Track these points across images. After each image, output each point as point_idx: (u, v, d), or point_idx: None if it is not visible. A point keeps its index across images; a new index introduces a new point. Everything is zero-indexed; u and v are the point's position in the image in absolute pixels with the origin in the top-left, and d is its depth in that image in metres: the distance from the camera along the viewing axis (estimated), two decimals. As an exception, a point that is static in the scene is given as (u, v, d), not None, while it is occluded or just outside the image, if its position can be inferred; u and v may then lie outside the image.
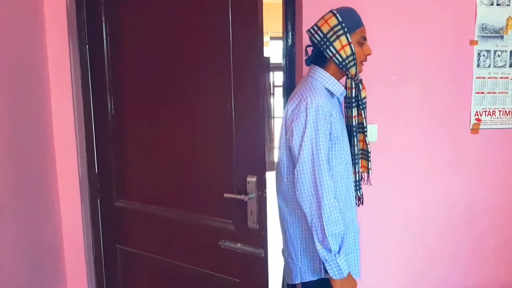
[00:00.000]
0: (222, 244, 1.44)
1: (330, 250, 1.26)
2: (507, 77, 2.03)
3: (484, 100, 2.03)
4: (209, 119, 1.47)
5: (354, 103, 1.46)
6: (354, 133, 1.47)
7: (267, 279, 1.40)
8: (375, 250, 2.01)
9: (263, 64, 1.32)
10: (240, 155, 1.39)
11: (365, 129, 1.48)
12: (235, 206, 1.40)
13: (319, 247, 1.28)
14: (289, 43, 1.93)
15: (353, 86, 1.43)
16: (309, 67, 1.45)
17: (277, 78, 6.62)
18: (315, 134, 1.27)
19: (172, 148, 1.58)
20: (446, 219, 2.07)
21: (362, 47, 1.37)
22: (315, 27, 1.38)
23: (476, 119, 2.03)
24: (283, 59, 2.01)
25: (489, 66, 2.01)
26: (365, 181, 1.57)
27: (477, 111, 2.02)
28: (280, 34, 2.00)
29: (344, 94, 1.45)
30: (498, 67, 2.01)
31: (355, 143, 1.47)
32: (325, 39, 1.34)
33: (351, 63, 1.35)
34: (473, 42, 1.97)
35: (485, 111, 2.03)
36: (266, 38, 6.08)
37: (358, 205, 1.57)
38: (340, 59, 1.34)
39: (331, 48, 1.34)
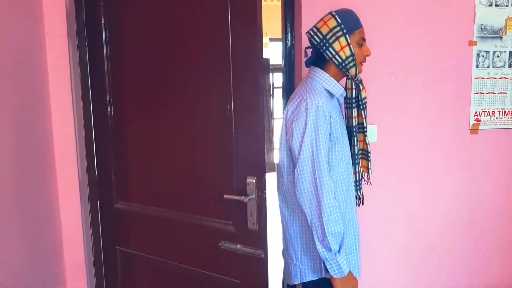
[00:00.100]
0: (222, 245, 1.44)
1: (330, 250, 1.27)
2: (506, 78, 2.03)
3: (484, 100, 2.03)
4: (209, 120, 1.47)
5: (354, 103, 1.47)
6: (354, 133, 1.48)
7: (267, 280, 1.40)
8: (376, 251, 2.01)
9: (262, 65, 1.33)
10: (240, 156, 1.39)
11: (365, 129, 1.49)
12: (235, 207, 1.40)
13: (319, 246, 1.28)
14: (289, 44, 1.94)
15: (353, 86, 1.45)
16: (308, 68, 1.46)
17: (276, 79, 6.63)
18: (315, 135, 1.27)
19: (171, 149, 1.59)
20: (447, 219, 2.07)
21: (361, 48, 1.38)
22: (314, 29, 1.39)
23: (475, 120, 2.03)
24: (282, 60, 2.01)
25: (488, 67, 2.01)
26: (365, 181, 1.58)
27: (476, 112, 2.03)
28: (280, 36, 2.00)
29: (344, 95, 1.46)
30: (497, 67, 2.02)
31: (355, 143, 1.48)
32: (324, 41, 1.35)
33: (351, 64, 1.36)
34: (472, 43, 1.98)
35: (485, 112, 2.03)
36: (265, 40, 6.08)
37: (358, 205, 1.58)
38: (340, 60, 1.35)
39: (330, 49, 1.35)
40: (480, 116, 2.03)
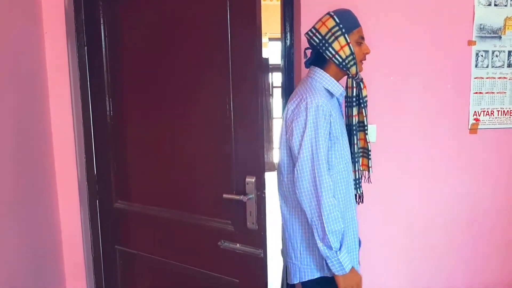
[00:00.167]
0: (221, 245, 1.44)
1: (330, 248, 1.28)
2: (505, 77, 2.03)
3: (483, 100, 2.03)
4: (208, 119, 1.47)
5: (355, 102, 1.48)
6: (355, 132, 1.49)
7: (267, 280, 1.40)
8: (376, 250, 2.01)
9: (262, 65, 1.33)
10: (239, 155, 1.39)
11: (366, 128, 1.50)
12: (234, 206, 1.40)
13: (320, 244, 1.29)
14: (288, 44, 1.94)
15: (354, 85, 1.46)
16: (308, 69, 1.46)
17: (276, 79, 6.63)
18: (314, 134, 1.28)
19: (171, 148, 1.58)
20: (447, 218, 2.07)
21: (361, 46, 1.39)
22: (313, 30, 1.39)
23: (474, 119, 2.03)
24: (281, 60, 2.02)
25: (487, 66, 2.01)
26: (365, 179, 1.59)
27: (475, 111, 2.03)
28: (279, 35, 2.00)
29: (344, 95, 1.47)
30: (496, 67, 2.02)
31: (355, 142, 1.49)
32: (324, 41, 1.36)
33: (351, 63, 1.37)
34: (471, 43, 1.98)
35: (484, 111, 2.03)
36: (264, 39, 6.08)
37: (358, 203, 1.58)
38: (340, 60, 1.36)
39: (330, 49, 1.35)
40: (479, 115, 2.03)
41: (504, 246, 2.14)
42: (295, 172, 1.30)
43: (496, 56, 2.01)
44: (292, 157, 1.36)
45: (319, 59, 1.41)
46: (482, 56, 2.00)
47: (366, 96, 1.49)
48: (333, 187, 1.32)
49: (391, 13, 1.90)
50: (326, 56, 1.37)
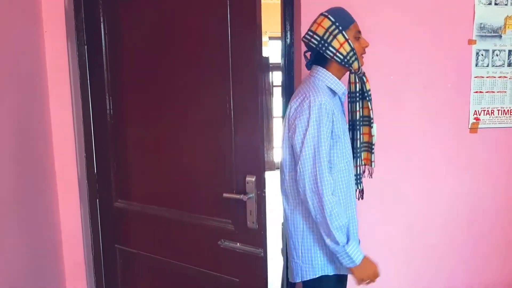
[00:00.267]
0: (222, 244, 1.44)
1: (337, 243, 1.30)
2: (505, 76, 2.03)
3: (483, 99, 2.03)
4: (208, 118, 1.47)
5: (358, 97, 1.49)
6: (358, 127, 1.49)
7: (267, 279, 1.40)
8: (376, 250, 1.99)
9: (262, 64, 1.33)
10: (239, 155, 1.39)
11: (372, 121, 1.51)
12: (235, 206, 1.40)
13: (327, 240, 1.31)
14: (288, 43, 1.94)
15: (357, 80, 1.47)
16: (309, 70, 1.48)
17: (276, 78, 6.63)
18: (317, 132, 1.29)
19: (171, 148, 1.58)
20: (447, 218, 2.07)
21: (359, 41, 1.41)
22: (310, 33, 1.40)
23: (474, 118, 2.03)
24: (281, 59, 2.01)
25: (487, 66, 2.01)
26: (368, 174, 1.60)
27: (475, 110, 2.03)
28: (279, 34, 2.00)
29: (346, 94, 1.48)
30: (496, 66, 2.02)
31: (358, 137, 1.50)
32: (323, 41, 1.37)
33: (353, 58, 1.38)
34: (471, 42, 1.98)
35: (484, 110, 2.03)
36: (265, 38, 6.08)
37: (358, 199, 1.58)
38: (342, 57, 1.37)
39: (330, 48, 1.36)
40: (480, 115, 2.03)
41: (504, 246, 2.14)
42: (298, 170, 1.31)
43: (497, 55, 2.01)
44: (294, 155, 1.36)
45: (319, 59, 1.42)
46: (482, 55, 1.99)
47: (369, 90, 1.49)
48: (334, 185, 1.33)
49: (391, 13, 1.90)
50: (327, 55, 1.38)
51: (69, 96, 1.75)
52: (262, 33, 1.33)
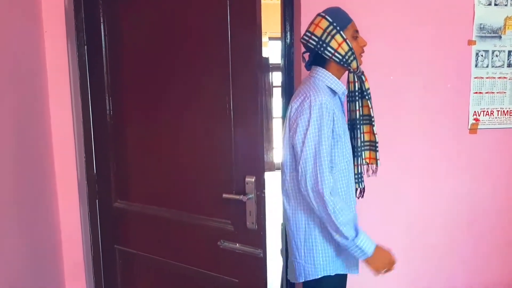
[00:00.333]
0: (221, 245, 1.44)
1: (346, 238, 1.30)
2: (505, 77, 2.03)
3: (482, 100, 2.03)
4: (208, 119, 1.47)
5: (357, 96, 1.49)
6: (358, 126, 1.50)
7: (266, 279, 1.40)
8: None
9: (262, 64, 1.32)
10: (239, 155, 1.39)
11: (372, 120, 1.52)
12: (234, 206, 1.40)
13: (336, 236, 1.32)
14: (288, 43, 1.94)
15: (356, 79, 1.47)
16: (309, 71, 1.48)
17: (276, 78, 6.63)
18: (318, 131, 1.29)
19: (170, 148, 1.58)
20: (447, 218, 2.07)
21: (357, 40, 1.41)
22: (308, 34, 1.41)
23: (474, 119, 2.03)
24: (281, 59, 2.01)
25: (487, 66, 2.01)
26: (373, 173, 1.60)
27: (475, 111, 2.03)
28: (279, 35, 2.00)
29: (346, 93, 1.49)
30: (496, 67, 2.02)
31: (358, 136, 1.50)
32: (321, 42, 1.37)
33: (351, 58, 1.39)
34: (471, 42, 1.98)
35: (483, 111, 2.03)
36: (264, 39, 6.08)
37: (359, 198, 1.59)
38: (340, 57, 1.37)
39: (328, 48, 1.37)
40: (479, 115, 2.03)
41: (504, 246, 2.14)
42: (299, 170, 1.31)
43: (496, 56, 2.01)
44: (295, 155, 1.36)
45: (318, 60, 1.43)
46: (482, 56, 2.00)
47: (368, 89, 1.50)
48: (334, 184, 1.34)
49: (391, 13, 1.90)
50: (325, 56, 1.38)
51: (69, 97, 1.75)
52: (262, 33, 1.33)
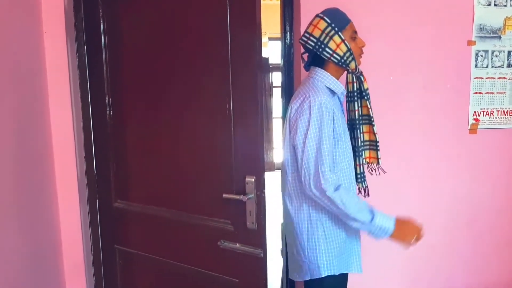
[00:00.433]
0: (221, 245, 1.44)
1: (364, 223, 1.31)
2: (505, 77, 2.03)
3: (482, 100, 2.03)
4: (208, 119, 1.47)
5: (356, 96, 1.50)
6: (358, 126, 1.50)
7: (266, 279, 1.40)
8: (376, 250, 2.00)
9: (261, 64, 1.32)
10: (239, 155, 1.39)
11: (372, 120, 1.52)
12: (234, 206, 1.40)
13: (354, 225, 1.33)
14: (288, 43, 1.94)
15: (354, 80, 1.48)
16: (308, 71, 1.49)
17: (275, 78, 6.63)
18: (318, 131, 1.30)
19: (171, 148, 1.58)
20: (447, 218, 2.07)
21: (356, 41, 1.41)
22: (306, 34, 1.41)
23: (474, 119, 2.03)
24: (281, 59, 2.01)
25: (487, 66, 2.01)
26: (376, 171, 1.60)
27: (475, 111, 2.03)
28: (279, 35, 2.00)
29: (345, 93, 1.49)
30: (496, 67, 2.02)
31: (358, 136, 1.51)
32: (319, 43, 1.37)
33: (350, 59, 1.39)
34: (470, 43, 1.98)
35: (483, 111, 2.04)
36: (264, 39, 6.08)
37: (364, 197, 1.59)
38: (339, 58, 1.37)
39: (327, 49, 1.37)
40: (479, 115, 2.03)
41: (504, 246, 2.14)
42: (302, 171, 1.32)
43: (496, 56, 2.01)
44: (296, 156, 1.36)
45: (317, 60, 1.43)
46: (481, 56, 2.00)
47: (367, 89, 1.50)
48: (337, 183, 1.33)
49: (391, 13, 1.90)
50: (324, 56, 1.39)
51: (68, 97, 1.75)
52: (262, 33, 1.33)
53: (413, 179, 2.02)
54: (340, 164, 1.38)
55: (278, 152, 6.44)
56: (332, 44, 1.36)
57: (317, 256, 1.40)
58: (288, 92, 1.95)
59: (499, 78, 2.03)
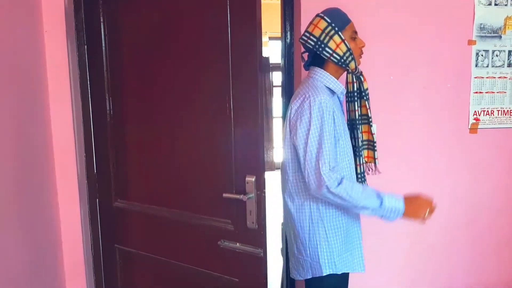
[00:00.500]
0: (221, 244, 1.44)
1: (374, 209, 1.31)
2: (505, 77, 2.03)
3: (483, 99, 2.03)
4: (208, 118, 1.47)
5: (356, 96, 1.50)
6: (357, 126, 1.50)
7: (266, 279, 1.40)
8: (376, 250, 2.01)
9: (262, 63, 1.32)
10: (239, 155, 1.39)
11: (370, 120, 1.52)
12: (234, 206, 1.40)
13: (366, 213, 1.33)
14: (288, 43, 1.94)
15: (354, 80, 1.48)
16: (308, 71, 1.49)
17: (276, 78, 6.63)
18: (320, 130, 1.30)
19: (171, 148, 1.58)
20: (446, 218, 2.07)
21: (356, 41, 1.42)
22: (306, 34, 1.42)
23: (474, 119, 2.03)
24: (281, 59, 2.01)
25: (487, 66, 2.01)
26: (373, 171, 1.60)
27: (475, 111, 2.03)
28: (279, 34, 2.00)
29: (344, 93, 1.49)
30: (496, 66, 2.02)
31: (358, 136, 1.51)
32: (319, 42, 1.38)
33: (349, 59, 1.39)
34: (471, 42, 1.98)
35: (484, 111, 2.03)
36: (265, 39, 6.08)
37: None
38: (338, 57, 1.38)
39: (327, 49, 1.37)
40: (479, 115, 2.03)
41: (504, 246, 2.14)
42: (306, 172, 1.32)
43: (496, 55, 2.01)
44: (297, 156, 1.37)
45: (317, 60, 1.43)
46: (482, 55, 2.00)
47: (367, 89, 1.50)
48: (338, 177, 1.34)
49: (391, 13, 1.90)
50: (323, 56, 1.39)
51: (69, 96, 1.75)
52: (262, 33, 1.33)
53: (413, 179, 2.02)
54: (341, 164, 1.38)
55: (278, 152, 6.44)
56: (332, 44, 1.36)
57: (319, 254, 1.41)
58: (288, 92, 1.95)
59: (499, 77, 2.03)
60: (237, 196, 1.36)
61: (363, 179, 1.56)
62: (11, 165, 1.49)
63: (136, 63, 1.63)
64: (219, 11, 1.34)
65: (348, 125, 1.52)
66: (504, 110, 2.05)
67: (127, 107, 1.68)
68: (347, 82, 1.49)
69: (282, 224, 1.85)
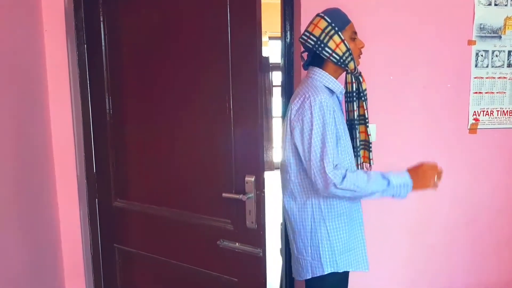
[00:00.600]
0: (221, 244, 1.44)
1: (383, 190, 1.32)
2: (505, 77, 2.03)
3: (482, 100, 2.03)
4: (208, 118, 1.47)
5: (355, 96, 1.50)
6: (356, 126, 1.51)
7: (265, 279, 1.40)
8: (376, 251, 2.00)
9: (261, 63, 1.32)
10: (238, 154, 1.39)
11: (367, 120, 1.52)
12: (234, 205, 1.40)
13: (376, 196, 1.33)
14: (288, 42, 1.94)
15: (353, 80, 1.49)
16: (307, 70, 1.49)
17: (275, 78, 6.63)
18: (322, 129, 1.30)
19: (170, 147, 1.58)
20: (447, 218, 2.07)
21: (355, 42, 1.42)
22: (306, 33, 1.42)
23: (474, 119, 2.03)
24: (281, 58, 2.01)
25: (487, 66, 2.01)
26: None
27: (475, 111, 2.03)
28: (279, 34, 2.00)
29: (344, 93, 1.49)
30: (496, 67, 2.02)
31: (356, 136, 1.52)
32: (319, 42, 1.38)
33: (349, 59, 1.40)
34: (471, 42, 1.98)
35: (483, 111, 2.03)
36: (265, 38, 6.08)
37: None
38: (338, 57, 1.38)
39: (326, 49, 1.38)
40: (479, 115, 2.03)
41: (503, 245, 2.14)
42: (311, 172, 1.32)
43: (496, 56, 2.01)
44: (299, 156, 1.37)
45: (316, 59, 1.44)
46: (482, 55, 2.00)
47: (365, 90, 1.51)
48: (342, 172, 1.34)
49: (391, 13, 1.90)
50: (323, 56, 1.39)
51: (68, 95, 1.75)
52: (262, 32, 1.33)
53: (413, 178, 2.02)
54: (343, 163, 1.39)
55: (277, 152, 6.43)
56: (331, 44, 1.37)
57: (320, 253, 1.41)
58: (288, 91, 1.95)
59: (499, 78, 2.03)
60: (237, 196, 1.36)
61: None
62: (11, 165, 1.49)
63: (136, 63, 1.63)
64: (219, 11, 1.34)
65: (347, 125, 1.52)
66: (503, 111, 2.05)
67: (126, 107, 1.68)
68: (346, 82, 1.50)
69: (282, 224, 1.85)
